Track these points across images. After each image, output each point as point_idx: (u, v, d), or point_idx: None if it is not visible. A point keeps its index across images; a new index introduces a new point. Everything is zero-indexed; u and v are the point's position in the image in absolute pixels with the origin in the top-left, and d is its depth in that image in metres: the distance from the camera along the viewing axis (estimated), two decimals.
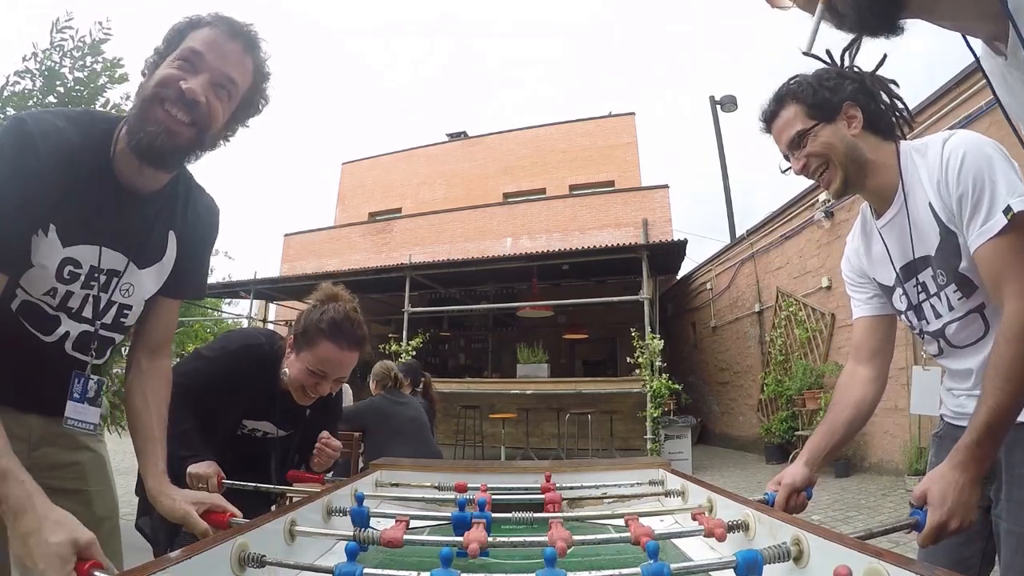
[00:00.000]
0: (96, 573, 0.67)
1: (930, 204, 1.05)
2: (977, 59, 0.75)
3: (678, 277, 11.31)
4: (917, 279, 1.12)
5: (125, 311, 1.06)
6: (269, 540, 0.83)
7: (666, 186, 10.94)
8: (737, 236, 9.45)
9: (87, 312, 1.01)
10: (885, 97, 1.14)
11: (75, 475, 1.12)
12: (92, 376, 1.04)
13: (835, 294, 6.54)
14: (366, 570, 0.67)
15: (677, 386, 7.39)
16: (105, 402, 1.26)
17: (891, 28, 0.64)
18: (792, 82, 1.16)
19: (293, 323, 1.46)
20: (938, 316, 1.12)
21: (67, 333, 1.00)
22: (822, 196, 6.61)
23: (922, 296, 1.13)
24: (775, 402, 7.34)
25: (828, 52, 1.16)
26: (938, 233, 1.05)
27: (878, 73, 1.14)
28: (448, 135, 15.53)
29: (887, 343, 1.27)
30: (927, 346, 1.19)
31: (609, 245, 8.60)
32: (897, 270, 1.15)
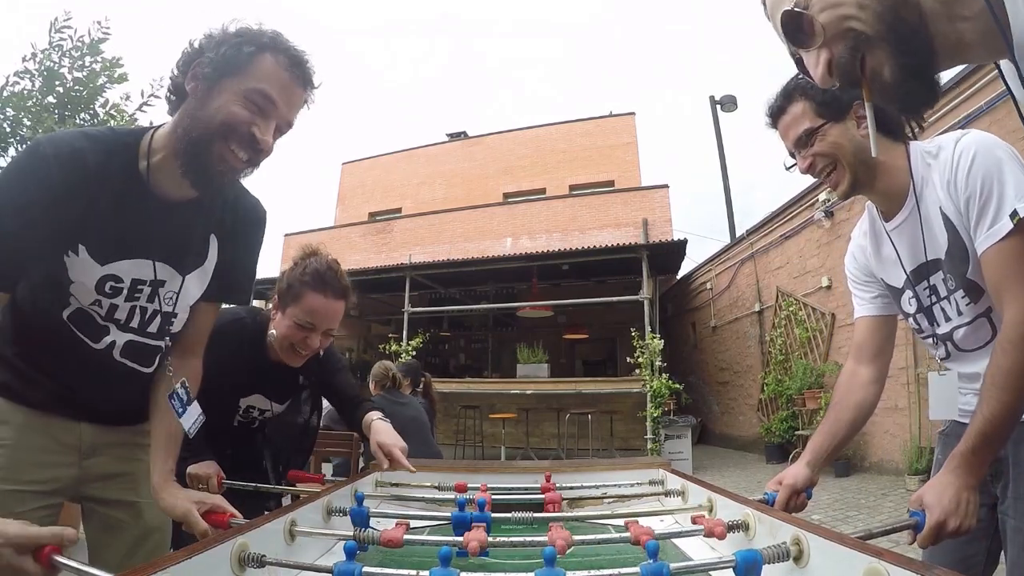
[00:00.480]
0: (56, 558, 0.64)
1: (940, 207, 1.04)
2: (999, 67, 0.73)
3: (678, 277, 11.31)
4: (928, 281, 1.11)
5: (171, 319, 1.07)
6: (269, 540, 0.83)
7: (666, 186, 10.94)
8: (737, 236, 9.45)
9: (134, 323, 1.02)
10: None
11: (126, 485, 1.12)
12: (179, 387, 1.05)
13: (835, 294, 6.54)
14: (365, 569, 0.67)
15: (677, 386, 7.39)
16: None
17: (933, 101, 0.63)
18: (801, 77, 1.14)
19: (276, 284, 1.46)
20: (948, 320, 1.11)
21: (114, 342, 1.02)
22: (822, 196, 6.61)
23: (932, 299, 1.12)
24: (775, 402, 7.34)
25: None
26: (947, 238, 1.04)
27: None
28: (448, 135, 15.53)
29: (888, 344, 1.27)
30: (934, 350, 1.18)
31: (609, 245, 8.59)
32: (908, 273, 1.14)
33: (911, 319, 1.20)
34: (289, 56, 0.92)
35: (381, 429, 1.37)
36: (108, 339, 1.01)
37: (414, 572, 0.68)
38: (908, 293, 1.17)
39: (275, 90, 0.90)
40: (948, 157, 1.02)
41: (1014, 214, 0.90)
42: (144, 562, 0.66)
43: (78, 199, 0.88)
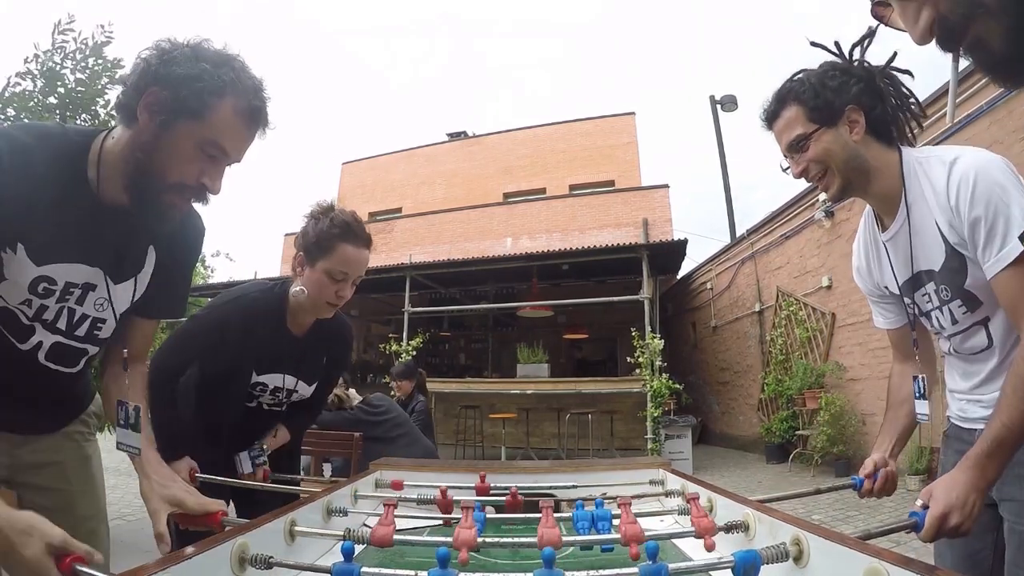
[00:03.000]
0: (78, 567, 0.65)
1: (936, 221, 1.05)
2: None
3: (678, 277, 11.30)
4: (924, 290, 1.13)
5: (99, 324, 1.05)
6: (269, 540, 0.83)
7: (666, 186, 10.94)
8: (737, 236, 9.45)
9: (61, 324, 1.00)
10: (893, 95, 1.11)
11: (57, 473, 1.12)
12: (130, 403, 1.05)
13: (835, 294, 6.54)
14: (364, 569, 0.67)
15: (677, 386, 7.39)
16: (98, 397, 1.24)
17: None
18: (795, 80, 1.13)
19: (296, 242, 1.47)
20: (943, 328, 1.14)
21: (40, 343, 1.00)
22: (822, 196, 6.56)
23: (928, 306, 1.14)
24: (775, 402, 7.34)
25: (837, 44, 1.13)
26: (944, 252, 1.05)
27: (892, 65, 1.12)
28: (448, 135, 15.52)
29: (924, 339, 1.28)
30: (941, 343, 1.20)
31: (609, 245, 8.59)
32: (899, 285, 1.16)
33: (919, 320, 1.22)
34: (248, 103, 0.90)
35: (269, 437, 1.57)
36: (35, 339, 0.99)
37: (412, 573, 0.68)
38: (907, 299, 1.20)
39: (230, 142, 0.90)
40: (943, 178, 1.02)
41: (1023, 236, 0.92)
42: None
43: (21, 197, 0.85)
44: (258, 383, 1.53)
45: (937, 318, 1.14)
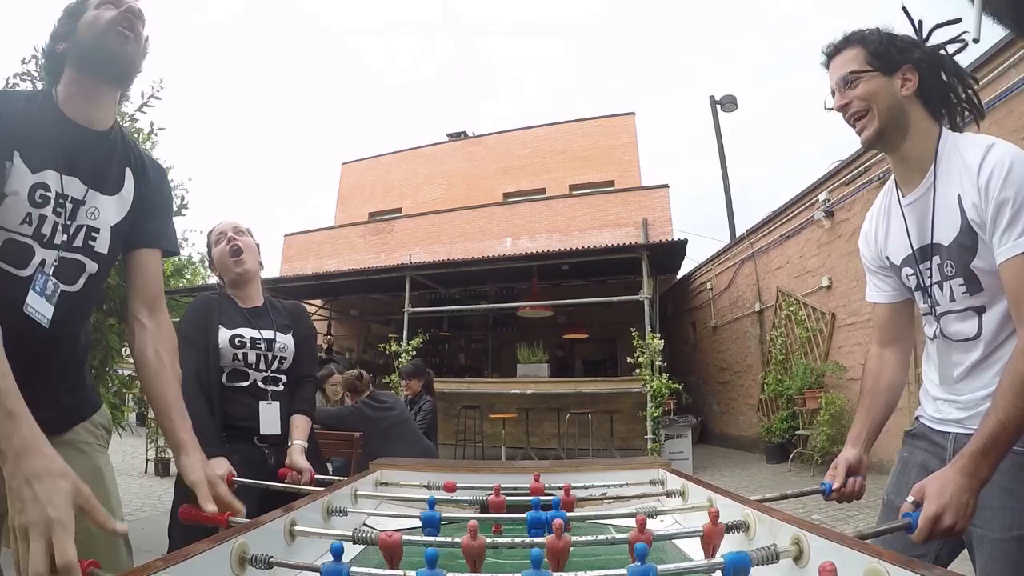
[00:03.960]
0: (94, 570, 0.66)
1: (959, 197, 1.05)
2: None
3: (678, 277, 11.31)
4: (929, 262, 1.14)
5: (93, 234, 1.09)
6: (269, 540, 0.83)
7: (666, 186, 10.95)
8: (737, 236, 9.45)
9: (58, 238, 1.04)
10: (959, 87, 1.14)
11: None
12: (53, 278, 1.05)
13: (835, 294, 6.54)
14: (353, 569, 0.67)
15: (677, 386, 7.39)
16: (105, 410, 1.23)
17: None
18: (867, 29, 1.17)
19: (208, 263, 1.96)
20: (938, 304, 1.13)
21: (43, 262, 1.02)
22: (822, 196, 6.60)
23: (929, 280, 1.14)
24: (775, 402, 7.34)
25: (920, 22, 1.17)
26: (959, 227, 1.06)
27: (959, 67, 1.15)
28: (448, 135, 15.53)
29: (910, 326, 1.29)
30: (927, 327, 1.20)
31: (609, 245, 8.59)
32: (914, 249, 1.16)
33: (912, 295, 1.22)
34: None
35: (296, 451, 1.66)
36: (36, 260, 1.01)
37: (401, 572, 0.68)
38: (908, 270, 1.19)
39: None
40: (977, 158, 1.03)
41: None
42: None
43: (8, 117, 0.99)
44: (235, 335, 1.70)
45: (935, 293, 1.13)
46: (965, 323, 1.10)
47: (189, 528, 1.04)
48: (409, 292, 9.08)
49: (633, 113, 13.51)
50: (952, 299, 1.10)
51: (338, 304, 12.72)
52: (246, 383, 1.69)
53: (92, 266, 1.11)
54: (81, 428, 1.14)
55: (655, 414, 7.15)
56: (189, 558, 0.65)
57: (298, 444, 1.67)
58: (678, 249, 8.96)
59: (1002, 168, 0.99)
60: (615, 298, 8.42)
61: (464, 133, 15.41)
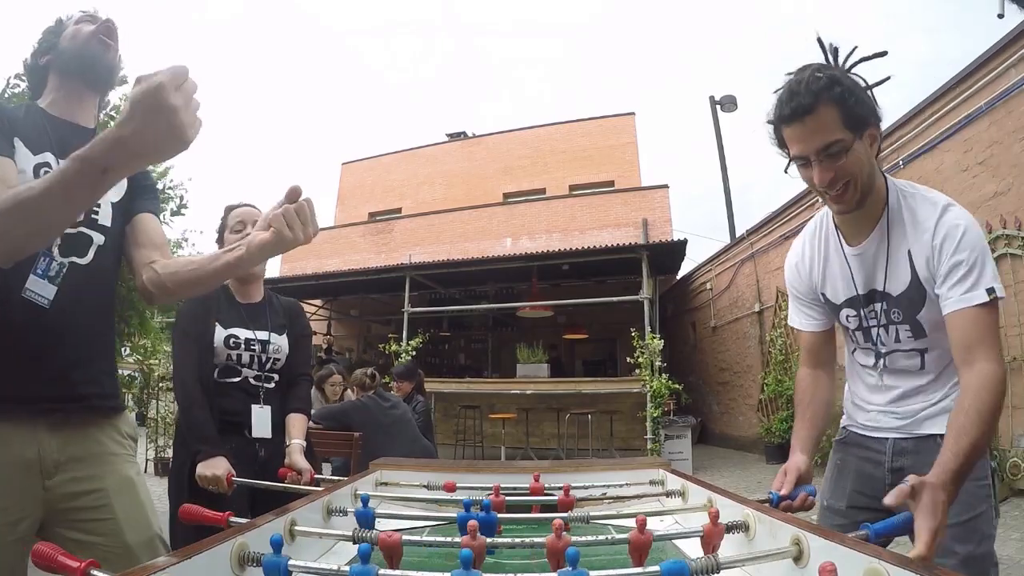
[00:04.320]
0: (93, 572, 0.66)
1: (909, 252, 1.10)
2: None
3: (678, 277, 11.31)
4: (873, 306, 1.19)
5: (95, 208, 1.13)
6: (269, 540, 0.83)
7: (666, 186, 10.94)
8: (737, 236, 9.45)
9: None
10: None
11: (98, 502, 1.05)
12: (57, 257, 1.06)
13: None
14: (381, 572, 0.66)
15: (677, 386, 7.39)
16: (131, 417, 1.22)
17: None
18: (826, 76, 1.03)
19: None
20: (883, 344, 1.21)
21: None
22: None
23: (872, 322, 1.20)
24: (775, 402, 7.34)
25: (834, 50, 1.10)
26: (908, 281, 1.11)
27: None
28: (448, 135, 15.53)
29: (834, 348, 1.37)
30: (863, 356, 1.28)
31: (609, 245, 8.59)
32: (860, 295, 1.20)
33: (849, 332, 1.28)
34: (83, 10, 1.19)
35: (295, 450, 1.66)
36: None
37: (427, 574, 0.67)
38: (849, 311, 1.24)
39: (91, 10, 1.18)
40: (932, 219, 1.08)
41: (991, 291, 1.02)
42: None
43: (10, 113, 1.08)
44: (230, 336, 1.70)
45: (879, 334, 1.20)
46: (909, 360, 1.19)
47: (189, 528, 1.04)
48: (409, 292, 9.09)
49: (633, 113, 13.52)
50: (897, 340, 1.18)
51: (338, 304, 12.72)
52: (237, 379, 1.71)
53: (99, 238, 1.13)
54: (108, 439, 1.12)
55: (655, 414, 7.15)
56: (189, 558, 0.65)
57: (297, 443, 1.67)
58: (678, 249, 8.96)
59: (956, 232, 1.04)
60: (615, 298, 8.42)
61: (464, 133, 15.41)
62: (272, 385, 1.76)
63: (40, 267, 1.03)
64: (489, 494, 1.11)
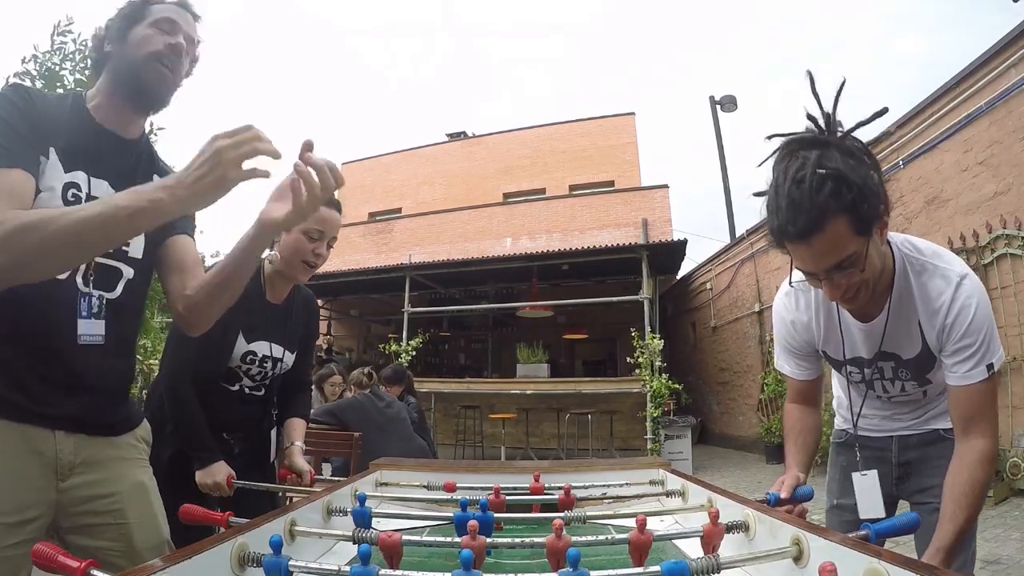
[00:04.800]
0: (93, 572, 0.66)
1: (920, 324, 1.10)
2: None
3: (678, 277, 11.31)
4: (877, 364, 1.22)
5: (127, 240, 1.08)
6: (269, 540, 0.83)
7: (666, 186, 10.92)
8: (737, 236, 9.45)
9: None
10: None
11: (112, 506, 1.04)
12: (94, 292, 1.03)
13: None
14: (382, 572, 0.66)
15: (677, 386, 7.39)
16: (146, 424, 1.21)
17: None
18: (831, 178, 0.87)
19: None
20: (887, 391, 1.26)
21: (79, 267, 1.00)
22: None
23: (876, 376, 1.24)
24: (775, 402, 7.34)
25: (827, 118, 0.96)
26: (919, 349, 1.13)
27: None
28: (448, 135, 15.52)
29: (822, 388, 1.39)
30: (861, 386, 1.31)
31: (609, 245, 8.59)
32: (868, 357, 1.22)
33: (851, 381, 1.31)
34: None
35: (295, 452, 1.62)
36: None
37: (427, 574, 0.67)
38: (852, 368, 1.27)
39: (174, 15, 1.09)
40: (945, 297, 1.06)
41: (990, 367, 1.05)
42: None
43: (45, 115, 1.00)
44: (248, 352, 1.57)
45: (884, 386, 1.25)
46: (913, 394, 1.24)
47: (189, 528, 1.04)
48: (409, 292, 9.09)
49: (633, 113, 13.51)
50: (903, 390, 1.23)
51: (338, 304, 12.72)
52: (235, 387, 1.62)
53: (128, 271, 1.09)
54: (123, 442, 1.12)
55: (655, 414, 7.15)
56: (189, 558, 0.65)
57: (297, 446, 1.66)
58: (678, 249, 8.96)
59: (967, 314, 1.04)
60: (615, 298, 8.42)
61: (464, 133, 15.40)
62: (262, 392, 1.69)
63: (83, 309, 1.01)
64: (489, 494, 1.11)
